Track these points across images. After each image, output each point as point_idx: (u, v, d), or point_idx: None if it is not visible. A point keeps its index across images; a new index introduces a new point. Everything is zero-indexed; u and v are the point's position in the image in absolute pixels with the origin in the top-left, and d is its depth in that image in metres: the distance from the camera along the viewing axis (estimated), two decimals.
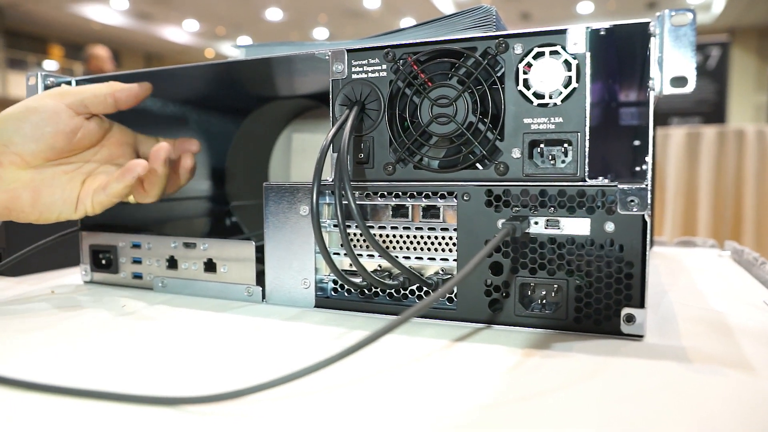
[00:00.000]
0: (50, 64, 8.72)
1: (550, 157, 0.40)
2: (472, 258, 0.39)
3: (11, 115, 0.45)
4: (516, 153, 0.40)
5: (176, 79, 0.58)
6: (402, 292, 0.45)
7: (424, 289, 0.44)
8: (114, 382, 0.31)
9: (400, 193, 0.44)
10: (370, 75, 0.44)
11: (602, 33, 0.38)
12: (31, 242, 0.54)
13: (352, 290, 0.46)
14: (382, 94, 0.44)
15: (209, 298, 0.51)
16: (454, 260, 0.43)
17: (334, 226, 0.47)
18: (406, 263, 0.44)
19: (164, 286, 0.53)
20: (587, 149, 0.39)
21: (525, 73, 0.40)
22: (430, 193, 0.43)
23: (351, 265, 0.46)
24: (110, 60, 3.35)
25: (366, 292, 0.45)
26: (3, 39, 7.79)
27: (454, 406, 0.28)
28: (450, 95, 0.41)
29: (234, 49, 0.57)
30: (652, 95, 0.36)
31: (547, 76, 0.39)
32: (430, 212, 0.44)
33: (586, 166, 0.39)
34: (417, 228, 0.44)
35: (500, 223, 0.41)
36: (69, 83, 0.56)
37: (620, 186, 0.37)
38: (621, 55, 0.42)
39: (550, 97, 0.39)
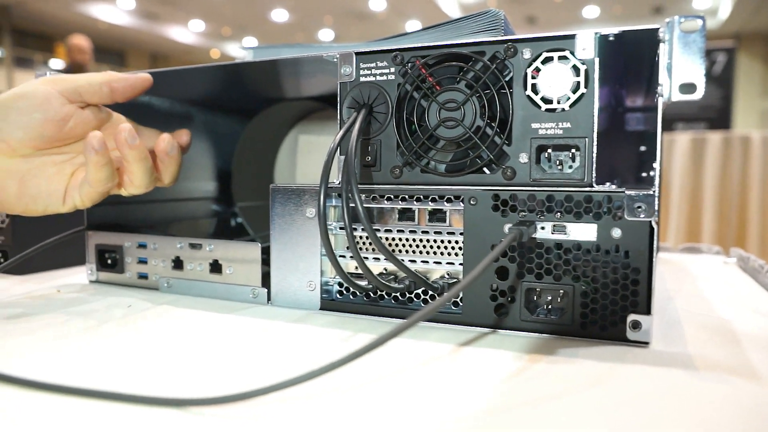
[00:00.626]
0: (57, 63, 8.76)
1: (558, 162, 0.40)
2: (478, 262, 0.39)
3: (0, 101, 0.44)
4: (523, 158, 0.40)
5: (183, 79, 0.58)
6: (407, 295, 0.45)
7: (430, 293, 0.44)
8: (121, 383, 0.31)
9: (407, 197, 0.44)
10: (378, 78, 0.44)
11: (611, 39, 0.38)
12: (37, 241, 0.55)
13: (358, 293, 0.46)
14: (390, 98, 0.44)
15: (214, 299, 0.51)
16: (460, 264, 0.43)
17: (340, 228, 0.47)
18: (412, 267, 0.44)
19: (170, 286, 0.54)
20: (595, 155, 0.39)
21: (533, 77, 0.40)
22: (436, 197, 0.43)
23: (357, 267, 0.46)
24: (91, 52, 3.27)
25: (371, 295, 0.45)
26: (10, 37, 7.83)
27: (459, 410, 0.28)
28: (458, 99, 0.42)
29: (242, 51, 0.57)
30: (660, 101, 0.36)
31: (555, 81, 0.39)
32: (436, 216, 0.44)
33: (594, 172, 0.39)
34: (423, 231, 0.44)
35: (507, 227, 0.41)
36: None
37: (627, 192, 0.37)
38: (629, 60, 0.42)
39: (558, 102, 0.39)
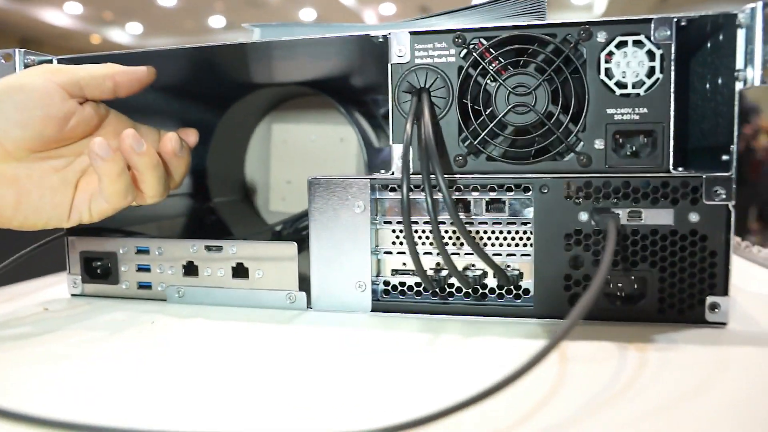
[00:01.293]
0: None
1: (634, 147, 0.39)
2: (550, 252, 0.39)
3: None
4: (599, 144, 0.40)
5: (149, 62, 0.52)
6: (480, 291, 0.42)
7: (505, 287, 0.42)
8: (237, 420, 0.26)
9: (462, 187, 0.42)
10: (436, 60, 0.41)
11: (687, 23, 0.38)
12: (9, 248, 0.46)
13: (436, 291, 0.43)
14: (450, 81, 0.41)
15: (241, 307, 0.46)
16: (522, 255, 0.42)
17: (385, 222, 0.44)
18: (470, 259, 0.42)
19: (182, 296, 0.47)
20: (672, 140, 0.39)
21: (606, 62, 0.39)
22: (495, 186, 0.41)
23: (405, 264, 0.44)
24: None
25: (438, 292, 0.43)
26: None
27: (635, 407, 0.26)
28: (528, 83, 0.40)
29: (246, 28, 0.52)
30: (737, 87, 0.37)
31: (630, 65, 0.39)
32: (494, 205, 0.42)
33: (671, 157, 0.39)
34: (481, 222, 0.42)
35: (583, 215, 0.40)
36: (50, 62, 0.48)
37: (706, 176, 0.38)
38: (705, 45, 0.42)
39: (633, 87, 0.39)
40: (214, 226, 0.70)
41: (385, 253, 0.44)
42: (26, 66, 0.47)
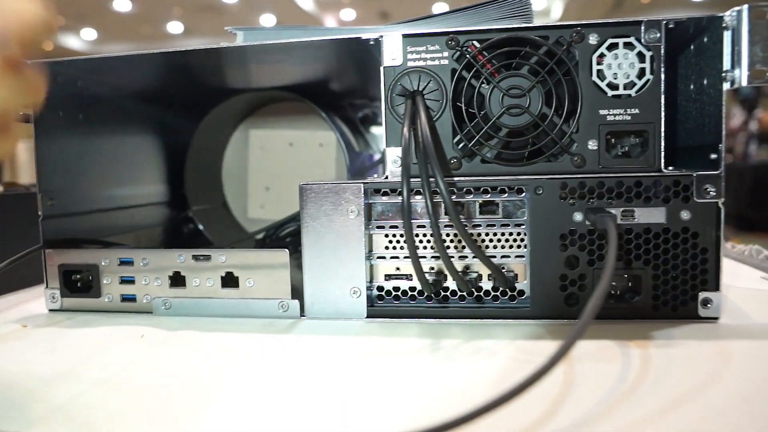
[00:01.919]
0: None
1: (626, 147, 0.40)
2: (545, 253, 0.39)
3: None
4: (592, 144, 0.40)
5: (133, 67, 0.50)
6: (476, 294, 0.42)
7: (501, 289, 0.42)
8: None
9: (456, 189, 0.42)
10: (428, 63, 0.41)
11: (676, 25, 0.39)
12: None
13: (432, 295, 0.42)
14: (444, 84, 0.41)
15: (231, 317, 0.44)
16: (517, 257, 0.42)
17: (378, 227, 0.43)
18: (465, 262, 0.42)
19: (168, 308, 0.46)
20: (663, 139, 0.39)
21: (598, 64, 0.40)
22: (490, 188, 0.41)
23: (398, 269, 0.43)
24: None
25: (433, 296, 0.42)
26: None
27: (658, 399, 0.26)
28: (522, 85, 0.40)
29: (229, 32, 0.51)
30: (725, 86, 0.38)
31: (621, 67, 0.39)
32: (488, 208, 0.42)
33: (662, 156, 0.39)
34: (476, 225, 0.42)
35: (577, 216, 0.40)
36: None
37: (696, 174, 0.39)
38: (692, 47, 0.43)
39: (625, 89, 0.40)
40: (192, 235, 0.68)
41: (379, 258, 0.43)
42: None
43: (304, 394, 0.29)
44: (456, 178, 0.41)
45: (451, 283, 0.42)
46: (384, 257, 0.43)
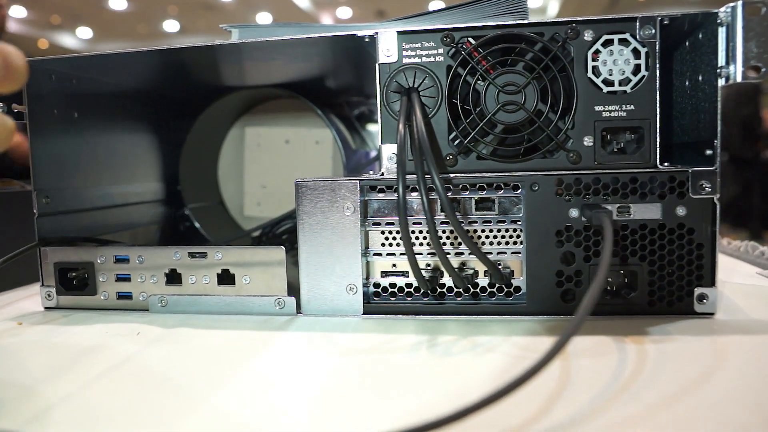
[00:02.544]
0: None
1: (621, 144, 0.40)
2: (541, 250, 0.39)
3: None
4: (587, 141, 0.40)
5: (126, 64, 0.50)
6: (472, 290, 0.42)
7: (497, 285, 0.42)
8: None
9: (452, 186, 0.42)
10: (424, 60, 0.41)
11: (670, 22, 0.39)
12: None
13: (428, 292, 0.42)
14: (439, 81, 0.41)
15: (227, 314, 0.44)
16: (513, 253, 0.42)
17: (374, 224, 0.43)
18: (461, 259, 0.42)
19: (165, 305, 0.46)
20: (658, 135, 0.39)
21: (593, 60, 0.40)
22: (486, 185, 0.41)
23: (395, 265, 0.43)
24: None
25: (430, 293, 0.42)
26: None
27: (654, 394, 0.27)
28: (517, 82, 0.40)
29: (223, 29, 0.50)
30: (720, 83, 0.38)
31: (616, 63, 0.39)
32: (484, 204, 0.42)
33: (658, 152, 0.40)
34: (472, 221, 0.42)
35: (573, 212, 0.40)
36: None
37: (692, 170, 0.39)
38: (687, 43, 0.43)
39: (620, 85, 0.40)
40: (188, 232, 0.68)
41: (375, 255, 0.43)
42: None
43: (300, 391, 0.29)
44: (452, 175, 0.41)
45: (447, 280, 0.42)
46: (380, 254, 0.43)
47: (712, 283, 0.39)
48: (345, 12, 7.50)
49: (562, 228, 0.40)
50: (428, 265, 0.43)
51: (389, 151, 0.42)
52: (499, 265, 0.42)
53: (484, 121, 0.40)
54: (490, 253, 0.42)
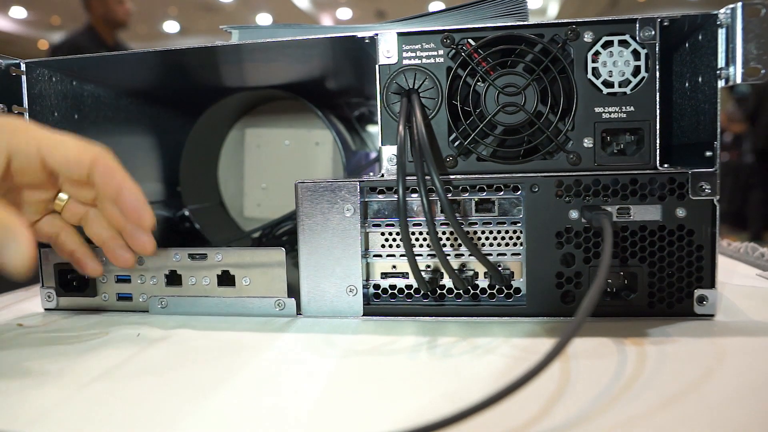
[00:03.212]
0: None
1: (621, 145, 0.40)
2: (542, 251, 0.39)
3: None
4: (587, 142, 0.40)
5: (129, 65, 0.50)
6: (472, 292, 0.42)
7: (497, 287, 0.42)
8: None
9: (452, 187, 0.42)
10: (424, 61, 0.41)
11: (670, 23, 0.39)
12: None
13: (428, 293, 0.42)
14: (439, 82, 0.41)
15: (227, 316, 0.44)
16: (513, 254, 0.42)
17: (374, 225, 0.43)
18: (462, 260, 0.42)
19: (164, 306, 0.46)
20: (658, 137, 0.39)
21: (593, 61, 0.40)
22: (486, 186, 0.41)
23: (394, 267, 0.43)
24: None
25: (430, 294, 0.42)
26: None
27: (653, 396, 0.27)
28: (517, 83, 0.40)
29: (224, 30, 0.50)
30: (719, 84, 0.38)
31: (616, 64, 0.39)
32: (484, 205, 0.42)
33: (657, 154, 0.40)
34: (472, 222, 0.42)
35: (573, 213, 0.40)
36: (18, 66, 0.46)
37: (691, 172, 0.39)
38: (687, 45, 0.43)
39: (620, 86, 0.40)
40: (188, 234, 0.68)
41: (375, 256, 0.43)
42: None
43: (300, 392, 0.29)
44: (452, 176, 0.41)
45: (447, 281, 0.42)
46: (380, 255, 0.43)
47: (712, 284, 0.39)
48: (345, 13, 7.51)
49: (562, 229, 0.40)
50: (428, 266, 0.43)
51: (389, 152, 0.42)
52: (499, 266, 0.42)
53: (484, 122, 0.40)
54: (490, 255, 0.42)
